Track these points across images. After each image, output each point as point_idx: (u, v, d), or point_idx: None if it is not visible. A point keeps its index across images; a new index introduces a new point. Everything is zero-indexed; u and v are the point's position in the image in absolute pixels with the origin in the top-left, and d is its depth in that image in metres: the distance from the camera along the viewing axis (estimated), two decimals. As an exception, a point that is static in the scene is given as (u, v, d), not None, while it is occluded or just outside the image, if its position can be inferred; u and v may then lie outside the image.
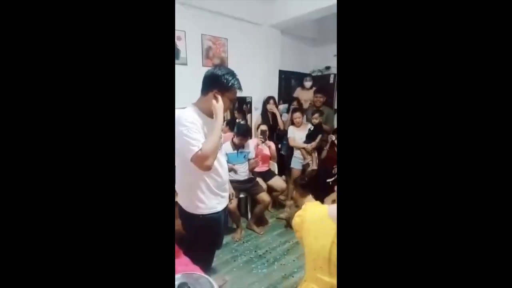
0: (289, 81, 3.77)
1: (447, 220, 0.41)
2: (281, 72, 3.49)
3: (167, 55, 0.50)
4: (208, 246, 1.34)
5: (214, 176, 1.18)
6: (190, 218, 1.21)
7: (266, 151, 2.58)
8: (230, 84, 1.10)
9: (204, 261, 1.25)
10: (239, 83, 1.14)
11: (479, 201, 0.40)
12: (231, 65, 2.74)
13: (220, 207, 1.24)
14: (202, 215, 1.19)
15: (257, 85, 3.08)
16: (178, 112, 1.07)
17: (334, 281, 0.67)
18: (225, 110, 1.17)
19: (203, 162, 1.02)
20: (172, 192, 0.54)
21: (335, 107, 3.77)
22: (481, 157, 0.40)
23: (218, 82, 1.09)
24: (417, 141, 0.43)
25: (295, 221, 0.80)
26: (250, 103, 3.12)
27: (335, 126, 3.30)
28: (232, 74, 1.13)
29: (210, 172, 1.13)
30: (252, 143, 2.48)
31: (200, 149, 1.01)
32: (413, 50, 0.43)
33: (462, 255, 0.40)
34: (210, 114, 1.12)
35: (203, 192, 1.16)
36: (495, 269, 0.39)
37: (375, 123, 0.46)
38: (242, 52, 2.96)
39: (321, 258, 0.68)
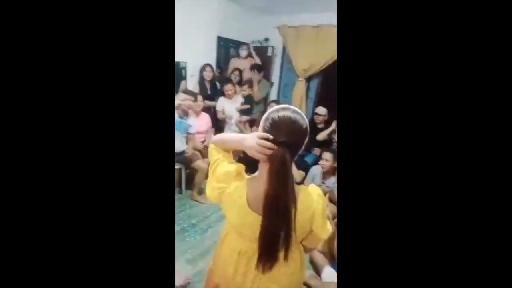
0: (227, 49, 3.63)
1: (449, 220, 0.41)
2: (219, 39, 3.32)
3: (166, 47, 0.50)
4: None
5: None
6: None
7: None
8: None
9: None
10: None
11: (478, 197, 0.39)
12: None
13: None
14: None
15: (193, 50, 2.87)
16: None
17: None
18: None
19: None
20: (172, 186, 0.53)
21: (272, 80, 3.86)
22: (481, 155, 0.39)
23: None
24: (417, 140, 0.42)
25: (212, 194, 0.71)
26: (185, 69, 2.91)
27: (270, 98, 3.38)
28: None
29: None
30: (202, 119, 2.40)
31: None
32: (412, 49, 0.42)
33: (461, 252, 0.40)
34: None
35: None
36: (495, 269, 0.38)
37: (375, 121, 0.45)
38: (175, 11, 2.66)
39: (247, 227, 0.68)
